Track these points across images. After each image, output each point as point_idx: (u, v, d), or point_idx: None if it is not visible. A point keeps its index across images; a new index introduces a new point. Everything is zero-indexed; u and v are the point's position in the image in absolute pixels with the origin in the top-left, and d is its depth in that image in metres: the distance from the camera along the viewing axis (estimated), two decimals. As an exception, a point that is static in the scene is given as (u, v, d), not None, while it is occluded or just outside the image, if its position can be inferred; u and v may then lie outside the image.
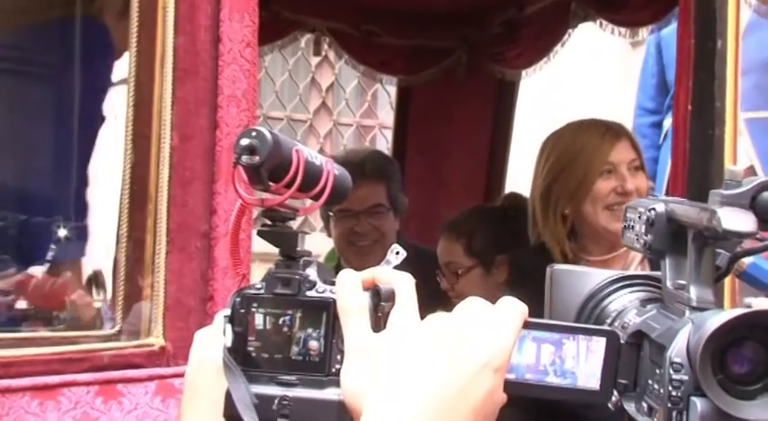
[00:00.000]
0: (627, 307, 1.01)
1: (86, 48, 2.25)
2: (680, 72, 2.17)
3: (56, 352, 1.63)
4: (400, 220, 3.20)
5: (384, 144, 5.94)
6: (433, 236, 3.07)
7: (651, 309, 0.97)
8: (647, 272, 1.05)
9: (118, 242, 1.74)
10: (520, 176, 3.92)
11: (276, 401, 0.88)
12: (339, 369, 0.88)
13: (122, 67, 1.84)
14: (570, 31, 3.43)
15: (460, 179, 3.83)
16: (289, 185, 0.89)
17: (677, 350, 0.86)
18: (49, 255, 2.21)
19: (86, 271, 2.31)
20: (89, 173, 2.33)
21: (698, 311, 0.89)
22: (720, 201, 0.89)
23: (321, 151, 6.25)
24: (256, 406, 0.87)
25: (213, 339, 0.94)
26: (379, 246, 3.02)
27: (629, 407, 0.94)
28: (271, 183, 0.88)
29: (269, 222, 0.93)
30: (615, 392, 0.94)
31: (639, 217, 0.98)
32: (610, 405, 0.95)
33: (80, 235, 2.27)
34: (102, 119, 2.33)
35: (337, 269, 1.11)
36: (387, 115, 5.73)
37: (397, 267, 0.94)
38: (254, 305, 0.91)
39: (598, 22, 3.33)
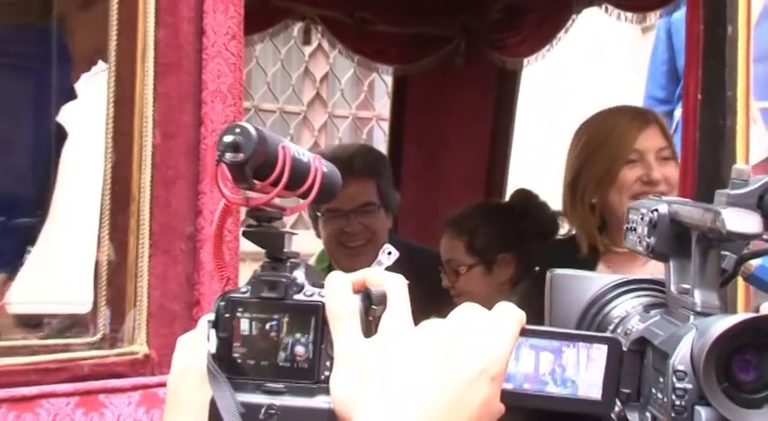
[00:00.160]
0: (630, 313, 1.01)
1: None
2: (689, 60, 2.18)
3: (33, 361, 1.63)
4: (393, 218, 3.19)
5: (381, 137, 5.93)
6: (431, 233, 3.07)
7: (655, 315, 0.97)
8: (653, 276, 1.05)
9: (99, 245, 1.73)
10: (522, 171, 3.93)
11: (263, 410, 0.88)
12: (328, 376, 0.88)
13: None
14: (575, 16, 3.42)
15: (460, 173, 3.82)
16: (275, 183, 0.89)
17: (680, 357, 0.86)
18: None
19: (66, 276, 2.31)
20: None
21: (702, 316, 0.89)
22: (726, 202, 0.89)
23: (316, 145, 6.25)
24: (242, 415, 0.87)
25: (197, 345, 0.93)
26: (371, 247, 3.01)
27: (633, 417, 0.94)
28: (256, 182, 0.88)
29: (254, 222, 0.93)
30: (618, 402, 0.94)
31: (642, 218, 0.98)
32: (613, 415, 0.95)
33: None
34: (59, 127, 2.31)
35: (329, 271, 1.11)
36: (384, 107, 5.72)
37: (389, 268, 0.94)
38: (240, 309, 0.90)
39: (604, 6, 3.32)
